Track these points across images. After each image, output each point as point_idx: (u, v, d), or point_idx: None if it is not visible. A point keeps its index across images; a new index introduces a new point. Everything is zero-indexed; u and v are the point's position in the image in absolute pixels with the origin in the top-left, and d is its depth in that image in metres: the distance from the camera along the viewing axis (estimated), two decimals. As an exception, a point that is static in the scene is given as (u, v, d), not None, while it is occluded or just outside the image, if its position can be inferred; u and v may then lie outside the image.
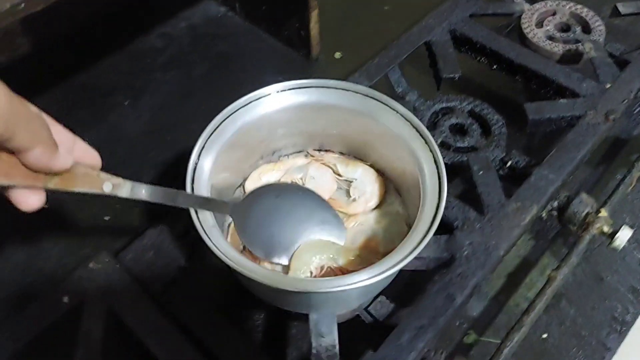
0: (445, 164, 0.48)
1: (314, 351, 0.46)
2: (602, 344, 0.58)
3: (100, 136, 0.74)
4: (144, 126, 0.76)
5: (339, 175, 0.56)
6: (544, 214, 0.58)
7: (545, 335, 0.60)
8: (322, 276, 0.49)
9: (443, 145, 0.62)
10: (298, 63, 0.84)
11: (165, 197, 0.43)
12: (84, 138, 0.41)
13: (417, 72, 0.77)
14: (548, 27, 0.74)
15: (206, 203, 0.45)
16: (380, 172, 0.56)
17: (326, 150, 0.58)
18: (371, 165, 0.56)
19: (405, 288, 0.58)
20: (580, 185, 0.67)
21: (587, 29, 0.74)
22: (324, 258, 0.48)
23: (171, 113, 0.77)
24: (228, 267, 0.46)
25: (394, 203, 0.55)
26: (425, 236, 0.44)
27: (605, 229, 0.56)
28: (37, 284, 0.62)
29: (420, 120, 0.51)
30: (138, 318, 0.48)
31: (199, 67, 0.83)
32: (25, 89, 0.36)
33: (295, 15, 0.80)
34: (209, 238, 0.43)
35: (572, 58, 0.71)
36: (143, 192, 0.42)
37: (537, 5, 0.76)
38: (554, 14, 0.76)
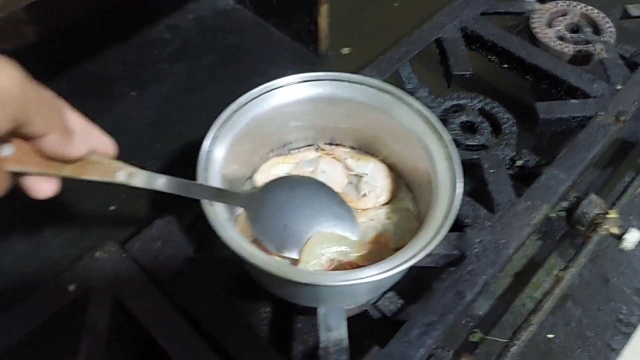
0: (456, 161, 0.48)
1: (322, 345, 0.46)
2: (607, 345, 0.58)
3: (105, 126, 0.73)
4: (151, 117, 0.75)
5: (350, 169, 0.56)
6: (553, 214, 0.58)
7: (551, 336, 0.59)
8: (332, 270, 0.48)
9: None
10: (306, 58, 0.83)
11: (178, 188, 0.42)
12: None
13: (426, 69, 0.77)
14: (558, 28, 0.74)
15: (220, 194, 0.45)
16: (391, 168, 0.56)
17: (337, 145, 0.58)
18: (382, 161, 0.56)
19: (412, 284, 0.57)
20: (589, 186, 0.67)
21: (597, 30, 0.74)
22: (335, 252, 0.48)
23: (178, 105, 0.77)
24: (237, 258, 0.45)
25: (404, 199, 0.55)
26: (438, 233, 0.44)
27: (614, 230, 0.56)
28: (40, 272, 0.61)
29: (431, 117, 0.50)
30: (145, 308, 0.47)
31: (206, 60, 0.82)
32: (30, 77, 0.35)
33: (304, 9, 0.79)
34: (221, 229, 0.42)
35: (582, 59, 0.71)
36: (157, 182, 0.41)
37: (547, 6, 0.76)
38: (565, 14, 0.76)
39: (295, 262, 0.49)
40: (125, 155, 0.44)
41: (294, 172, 0.55)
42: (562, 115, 0.63)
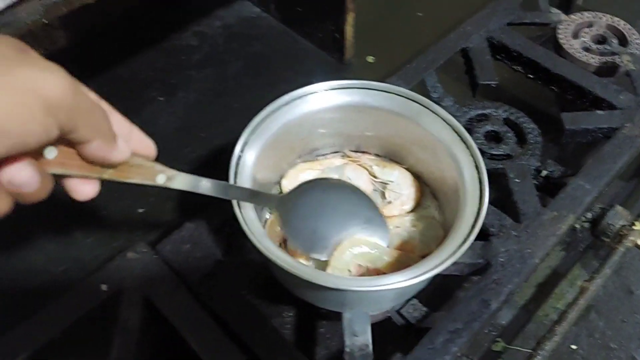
0: (481, 171, 0.48)
1: (347, 349, 0.46)
2: (631, 358, 0.58)
3: (134, 130, 0.75)
4: (178, 122, 0.77)
5: (375, 177, 0.57)
6: (577, 225, 0.58)
7: (574, 347, 0.59)
8: (359, 276, 0.49)
9: (477, 152, 0.62)
10: (331, 66, 0.84)
11: (218, 190, 0.43)
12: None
13: (450, 78, 0.78)
14: (584, 39, 0.74)
15: (255, 196, 0.46)
16: (417, 176, 0.56)
17: (363, 152, 0.59)
18: (407, 169, 0.57)
19: (435, 292, 0.58)
20: (613, 198, 0.67)
21: (624, 41, 0.74)
22: (364, 259, 0.48)
23: (205, 110, 0.78)
24: (265, 261, 0.46)
25: (429, 207, 0.55)
26: (465, 241, 0.44)
27: (640, 242, 0.56)
28: (70, 272, 0.63)
29: (455, 126, 0.50)
30: (175, 308, 0.48)
31: (233, 66, 0.84)
32: (77, 83, 0.36)
33: (330, 18, 0.80)
34: (251, 232, 0.43)
35: (607, 70, 0.71)
36: (197, 184, 0.41)
37: (573, 17, 0.76)
38: (591, 25, 0.76)
39: (323, 265, 0.50)
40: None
41: (322, 178, 0.56)
42: (587, 126, 0.63)
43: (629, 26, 0.75)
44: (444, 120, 0.50)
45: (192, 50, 0.86)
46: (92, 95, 0.34)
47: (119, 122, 0.36)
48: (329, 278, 0.44)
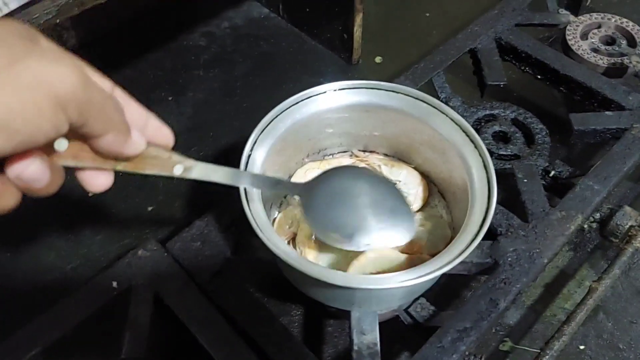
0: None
1: (355, 347, 0.47)
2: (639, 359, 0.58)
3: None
4: (187, 122, 0.78)
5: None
6: (585, 226, 0.58)
7: (582, 347, 0.59)
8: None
9: (485, 152, 0.62)
10: (339, 66, 0.85)
11: (236, 179, 0.41)
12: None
13: (458, 79, 0.78)
14: (593, 40, 0.74)
15: (277, 184, 0.45)
16: (424, 175, 0.56)
17: (371, 152, 0.59)
18: (415, 168, 0.57)
19: (442, 291, 0.58)
20: (621, 198, 0.67)
21: (632, 42, 0.74)
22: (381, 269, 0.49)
23: (213, 110, 0.79)
24: (273, 259, 0.47)
25: (437, 206, 0.55)
26: (473, 240, 0.44)
27: (649, 242, 0.55)
28: (80, 269, 0.63)
29: (464, 126, 0.50)
30: (185, 305, 0.49)
31: (241, 67, 0.84)
32: (91, 71, 0.35)
33: (338, 18, 0.81)
34: (260, 230, 0.44)
35: (616, 71, 0.71)
36: (215, 174, 0.39)
37: (582, 18, 0.76)
38: (599, 27, 0.76)
39: (335, 263, 0.50)
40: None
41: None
42: (596, 127, 0.63)
43: (637, 27, 0.75)
44: (453, 121, 0.50)
45: (200, 50, 0.86)
46: (107, 84, 0.33)
47: (134, 111, 0.34)
48: (338, 276, 0.44)
